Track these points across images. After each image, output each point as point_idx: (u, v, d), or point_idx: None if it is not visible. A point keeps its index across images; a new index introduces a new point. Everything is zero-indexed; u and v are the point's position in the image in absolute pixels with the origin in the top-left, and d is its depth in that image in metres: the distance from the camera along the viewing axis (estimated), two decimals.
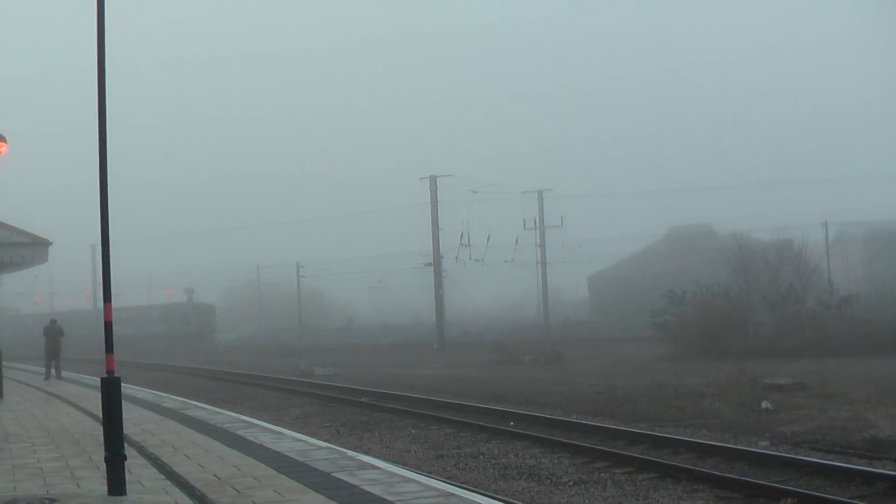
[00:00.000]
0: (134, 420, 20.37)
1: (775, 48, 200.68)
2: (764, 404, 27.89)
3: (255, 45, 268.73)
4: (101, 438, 12.21)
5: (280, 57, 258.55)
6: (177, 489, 12.18)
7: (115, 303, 12.32)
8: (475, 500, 11.33)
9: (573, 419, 26.79)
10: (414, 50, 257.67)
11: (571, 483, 17.80)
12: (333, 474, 12.96)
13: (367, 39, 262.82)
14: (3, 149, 27.20)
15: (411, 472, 14.10)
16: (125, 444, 12.20)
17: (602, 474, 18.51)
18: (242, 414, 24.32)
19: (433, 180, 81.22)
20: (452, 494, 11.58)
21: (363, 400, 34.92)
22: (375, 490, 11.73)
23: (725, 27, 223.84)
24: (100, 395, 12.02)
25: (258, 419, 22.79)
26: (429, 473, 16.92)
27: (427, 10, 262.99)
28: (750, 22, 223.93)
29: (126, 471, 11.97)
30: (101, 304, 13.23)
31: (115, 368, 12.03)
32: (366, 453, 17.97)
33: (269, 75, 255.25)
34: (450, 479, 17.55)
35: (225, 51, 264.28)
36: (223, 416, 22.08)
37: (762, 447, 20.90)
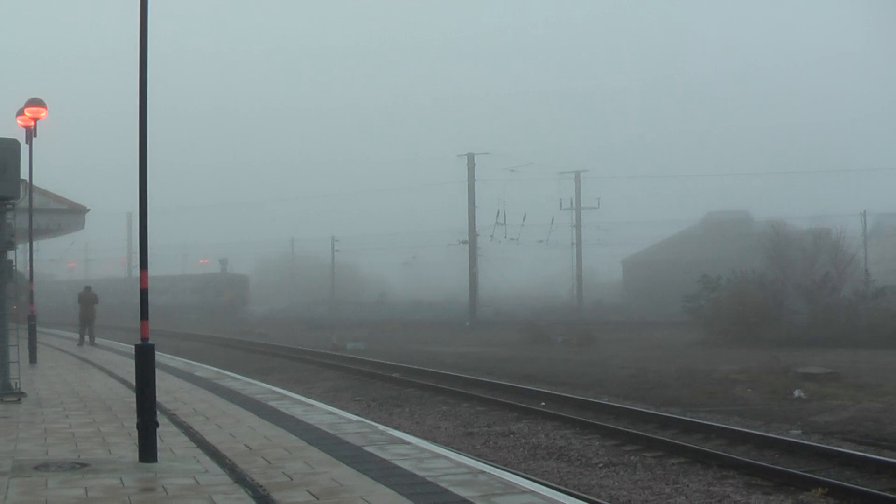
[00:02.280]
0: (166, 388, 20.46)
1: (818, 37, 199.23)
2: (796, 393, 27.74)
3: (302, 22, 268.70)
4: (133, 405, 12.27)
5: (322, 35, 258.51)
6: (207, 458, 12.22)
7: (150, 272, 12.34)
8: (504, 478, 11.30)
9: (604, 401, 26.73)
10: (456, 28, 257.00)
11: (601, 465, 17.77)
12: (364, 448, 12.96)
13: (408, 16, 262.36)
14: (42, 114, 27.36)
15: (441, 449, 14.08)
16: (157, 412, 12.25)
17: (632, 457, 18.46)
18: (274, 385, 24.36)
19: (471, 158, 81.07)
20: (482, 472, 11.55)
21: (394, 375, 34.96)
22: (405, 465, 11.72)
23: (766, 15, 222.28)
24: (132, 362, 12.07)
25: (290, 391, 22.83)
26: (458, 450, 16.91)
27: None
28: (790, 11, 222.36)
29: (157, 438, 12.02)
30: (136, 272, 13.22)
31: (149, 336, 12.07)
32: (396, 428, 17.97)
33: (307, 52, 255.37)
34: (479, 456, 17.54)
35: (272, 25, 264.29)
36: (255, 387, 22.14)
37: (794, 436, 20.78)
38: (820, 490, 14.74)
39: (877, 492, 14.75)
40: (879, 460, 17.30)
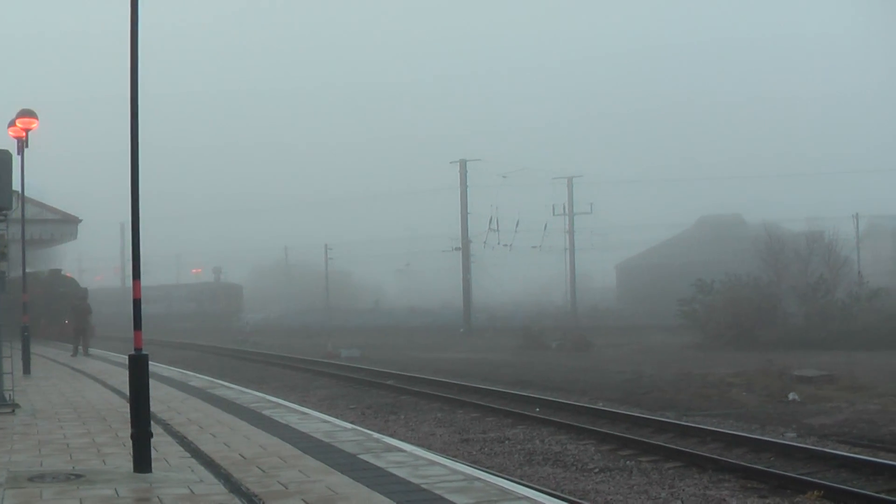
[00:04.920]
0: (160, 398, 20.42)
1: (813, 36, 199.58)
2: (791, 396, 27.77)
3: (289, 24, 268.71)
4: (128, 415, 12.24)
5: (311, 41, 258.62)
6: (202, 467, 12.19)
7: (143, 281, 12.31)
8: (500, 484, 11.30)
9: (599, 406, 26.75)
10: (447, 31, 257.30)
11: (597, 470, 17.77)
12: (359, 456, 12.95)
13: (400, 19, 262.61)
14: (34, 125, 27.34)
15: (437, 456, 14.08)
16: (151, 422, 12.22)
17: (628, 462, 18.47)
18: (269, 394, 24.33)
19: (463, 164, 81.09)
20: (477, 479, 11.55)
21: (389, 383, 34.95)
22: (401, 473, 11.71)
23: (766, 15, 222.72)
24: (126, 372, 12.04)
25: (284, 399, 22.81)
26: (454, 457, 16.91)
27: None
28: (794, 8, 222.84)
29: (152, 448, 11.99)
30: (129, 281, 13.17)
31: (143, 346, 12.05)
32: (391, 436, 17.97)
33: (304, 56, 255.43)
34: (475, 463, 17.55)
35: (260, 29, 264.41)
36: (249, 396, 22.11)
37: (789, 439, 20.82)
38: (816, 493, 14.74)
39: (873, 494, 14.76)
40: (875, 462, 17.32)
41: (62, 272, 55.62)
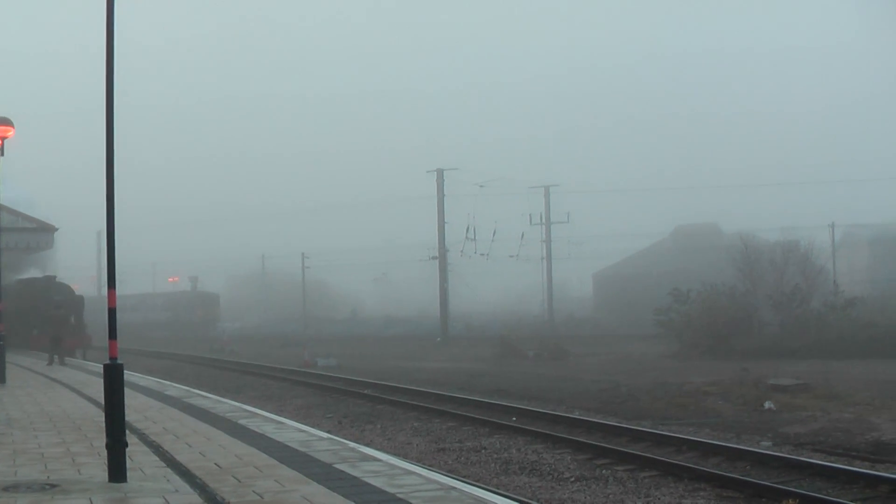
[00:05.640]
0: (136, 407, 20.35)
1: (786, 48, 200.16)
2: (767, 404, 27.86)
3: (262, 31, 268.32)
4: (103, 425, 12.19)
5: (288, 50, 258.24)
6: (178, 477, 12.15)
7: (119, 290, 12.28)
8: (476, 494, 11.29)
9: (576, 415, 26.78)
10: (423, 41, 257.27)
11: (573, 479, 17.79)
12: (335, 465, 12.92)
13: (375, 30, 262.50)
14: (10, 133, 27.24)
15: (413, 465, 14.06)
16: (127, 432, 12.18)
17: (604, 471, 18.49)
18: (245, 403, 24.29)
19: (440, 174, 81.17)
20: (454, 488, 11.54)
21: (366, 392, 34.92)
22: (377, 482, 11.69)
23: (736, 28, 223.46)
24: (102, 381, 11.99)
25: (261, 409, 22.75)
26: (430, 467, 16.90)
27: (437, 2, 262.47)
28: (761, 21, 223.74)
29: (127, 458, 11.95)
30: (105, 290, 13.12)
31: (118, 355, 12.01)
32: (368, 445, 17.95)
33: (280, 66, 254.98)
34: (451, 472, 17.53)
35: (232, 36, 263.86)
36: (226, 406, 22.04)
37: (765, 447, 20.89)
38: (791, 501, 14.79)
39: (848, 502, 14.82)
40: (850, 471, 17.40)
41: (56, 279, 54.96)
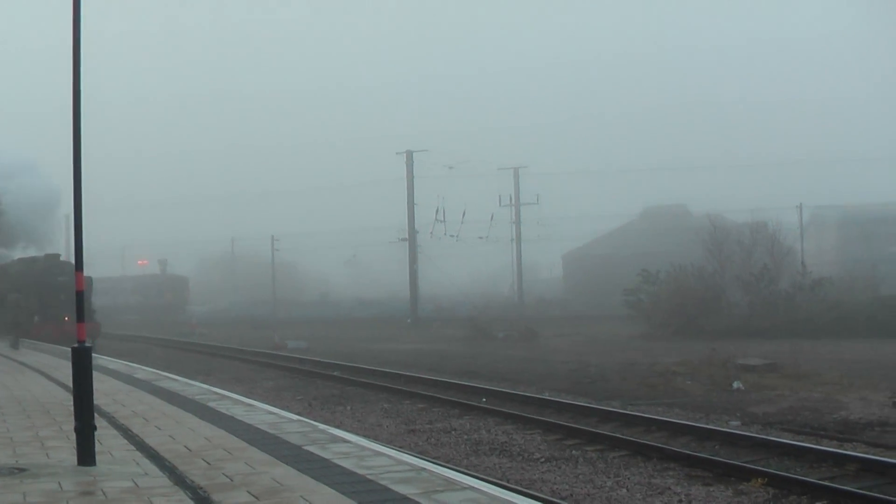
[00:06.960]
0: (105, 391, 20.28)
1: (759, 33, 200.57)
2: (736, 384, 28.01)
3: (233, 16, 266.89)
4: (72, 409, 12.14)
5: (257, 31, 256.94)
6: (147, 460, 12.12)
7: (88, 273, 12.22)
8: (446, 475, 11.30)
9: (545, 396, 26.85)
10: (391, 24, 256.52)
11: (543, 460, 17.83)
12: (305, 447, 12.91)
13: (345, 13, 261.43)
14: None
15: (383, 447, 14.06)
16: (96, 415, 12.14)
17: (573, 451, 18.55)
18: (214, 386, 24.21)
19: (409, 155, 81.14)
20: (424, 469, 11.55)
21: (336, 374, 34.94)
22: (346, 464, 11.69)
23: (711, 10, 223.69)
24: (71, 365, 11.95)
25: (230, 391, 22.69)
26: (400, 448, 16.89)
27: None
28: (738, 7, 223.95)
29: (96, 441, 11.92)
30: None
31: (86, 338, 11.96)
32: (338, 427, 17.93)
33: (246, 48, 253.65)
34: (421, 453, 17.56)
35: (203, 22, 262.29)
36: (195, 388, 21.99)
37: (733, 427, 21.00)
38: (759, 480, 14.88)
39: (816, 481, 14.89)
40: (818, 449, 17.50)
41: (61, 258, 52.86)
